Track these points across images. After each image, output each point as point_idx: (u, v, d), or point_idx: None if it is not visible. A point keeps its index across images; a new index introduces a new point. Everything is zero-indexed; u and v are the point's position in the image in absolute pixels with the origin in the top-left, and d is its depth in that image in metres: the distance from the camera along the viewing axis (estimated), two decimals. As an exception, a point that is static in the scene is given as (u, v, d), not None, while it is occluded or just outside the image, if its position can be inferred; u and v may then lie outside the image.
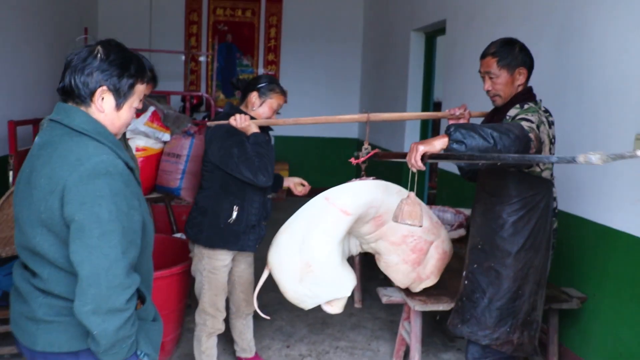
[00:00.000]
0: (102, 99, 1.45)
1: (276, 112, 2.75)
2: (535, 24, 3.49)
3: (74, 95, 1.44)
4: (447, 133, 1.85)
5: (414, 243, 2.55)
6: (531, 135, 1.95)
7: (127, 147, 2.91)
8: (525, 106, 2.21)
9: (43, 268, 1.41)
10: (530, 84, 3.27)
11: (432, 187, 6.16)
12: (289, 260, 2.34)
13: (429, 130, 6.07)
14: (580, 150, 3.00)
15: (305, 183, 2.94)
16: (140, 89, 1.53)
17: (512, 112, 2.22)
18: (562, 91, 3.20)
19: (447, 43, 5.03)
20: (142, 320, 1.48)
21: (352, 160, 2.23)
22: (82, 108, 1.45)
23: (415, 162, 1.89)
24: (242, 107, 2.73)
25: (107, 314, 1.31)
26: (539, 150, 2.04)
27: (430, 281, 2.69)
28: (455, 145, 1.81)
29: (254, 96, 2.68)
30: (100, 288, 1.30)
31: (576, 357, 3.03)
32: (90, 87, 1.44)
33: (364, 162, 2.28)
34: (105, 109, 1.46)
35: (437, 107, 6.01)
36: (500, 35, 3.81)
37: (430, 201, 6.15)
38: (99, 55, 1.44)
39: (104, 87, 1.45)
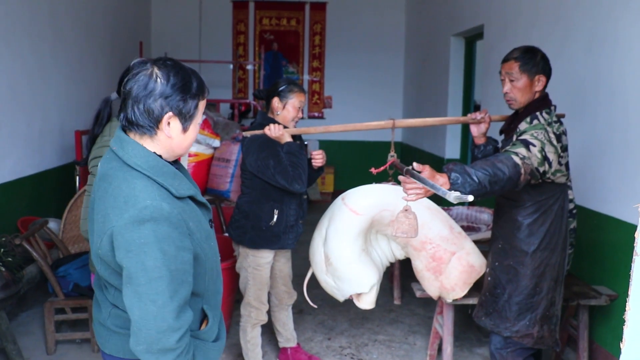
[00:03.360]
0: (169, 124, 1.42)
1: (300, 109, 2.88)
2: (566, 29, 3.57)
3: (139, 125, 1.41)
4: (450, 180, 2.01)
5: (433, 250, 2.65)
6: (521, 170, 2.11)
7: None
8: (535, 121, 2.32)
9: (109, 285, 1.49)
10: (561, 87, 3.35)
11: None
12: (317, 253, 2.58)
13: (469, 133, 6.15)
14: (612, 154, 3.09)
15: (321, 152, 2.91)
16: (202, 104, 1.49)
17: (522, 126, 2.35)
18: (594, 95, 3.27)
19: (485, 47, 5.14)
20: (202, 341, 1.51)
21: (372, 170, 2.35)
22: (146, 137, 1.43)
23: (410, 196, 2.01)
24: (270, 114, 2.90)
25: (159, 353, 1.35)
26: (535, 176, 2.19)
27: (456, 293, 2.72)
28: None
29: (275, 101, 2.86)
30: (149, 332, 1.32)
31: (608, 353, 3.10)
32: (155, 114, 1.40)
33: (390, 168, 2.38)
34: (172, 134, 1.43)
35: (478, 109, 6.09)
36: (533, 40, 3.95)
37: (470, 202, 6.23)
38: (159, 80, 1.39)
39: (170, 114, 1.41)
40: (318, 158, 2.89)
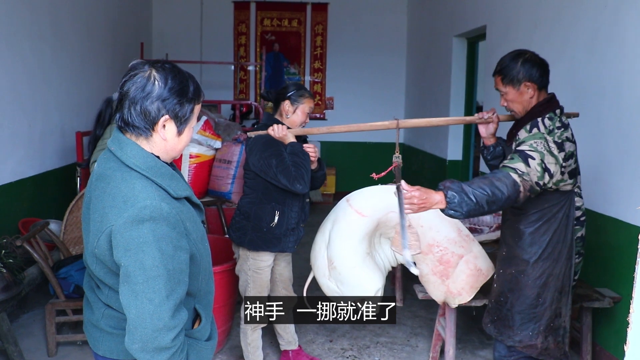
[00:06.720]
0: (164, 127, 1.44)
1: (308, 115, 2.90)
2: (568, 29, 3.55)
3: (135, 126, 1.43)
4: (447, 199, 2.01)
5: (440, 254, 2.60)
6: (520, 188, 2.09)
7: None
8: (534, 130, 2.24)
9: (103, 285, 1.49)
10: (564, 88, 3.30)
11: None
12: (320, 256, 2.54)
13: (471, 134, 6.14)
14: (615, 156, 3.05)
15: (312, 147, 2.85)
16: (197, 108, 1.52)
17: (521, 134, 2.29)
18: (597, 96, 3.24)
19: (488, 48, 5.12)
20: (195, 339, 1.52)
21: (374, 175, 2.31)
22: (142, 139, 1.45)
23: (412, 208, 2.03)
24: (277, 116, 2.90)
25: (154, 352, 1.36)
26: (535, 191, 2.16)
27: (463, 298, 2.67)
28: (451, 212, 2.02)
29: (286, 104, 2.86)
30: (145, 330, 1.33)
31: (611, 356, 3.08)
32: (151, 117, 1.42)
33: (395, 171, 2.33)
34: (167, 137, 1.46)
35: (480, 110, 6.07)
36: (535, 41, 3.93)
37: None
38: (156, 82, 1.41)
39: (166, 116, 1.43)
40: (310, 150, 2.81)
